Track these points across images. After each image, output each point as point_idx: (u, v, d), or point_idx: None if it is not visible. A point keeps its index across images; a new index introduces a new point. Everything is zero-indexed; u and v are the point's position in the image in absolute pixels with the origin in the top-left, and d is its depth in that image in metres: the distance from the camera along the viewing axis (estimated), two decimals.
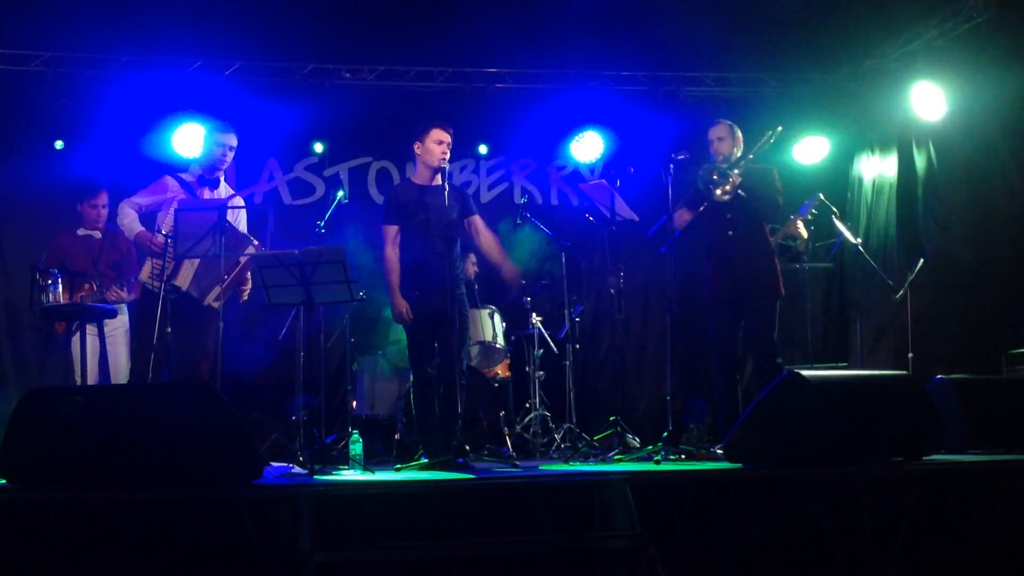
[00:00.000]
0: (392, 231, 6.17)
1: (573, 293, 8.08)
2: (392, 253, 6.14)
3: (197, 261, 6.10)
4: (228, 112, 8.19)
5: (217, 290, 6.13)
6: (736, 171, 6.42)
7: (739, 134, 6.67)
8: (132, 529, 4.37)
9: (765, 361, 6.45)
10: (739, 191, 6.40)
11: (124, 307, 6.95)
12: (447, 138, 6.18)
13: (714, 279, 6.61)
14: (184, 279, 6.07)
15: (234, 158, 8.48)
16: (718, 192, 6.41)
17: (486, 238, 6.33)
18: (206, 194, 6.33)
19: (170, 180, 6.34)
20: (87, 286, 6.94)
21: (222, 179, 6.50)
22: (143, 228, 6.23)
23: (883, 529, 4.90)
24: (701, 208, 6.53)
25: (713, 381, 6.76)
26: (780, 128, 6.59)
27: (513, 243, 8.60)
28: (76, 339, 6.89)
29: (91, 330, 6.84)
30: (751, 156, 6.54)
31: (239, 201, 6.47)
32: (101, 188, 7.03)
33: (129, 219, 6.24)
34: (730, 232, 6.53)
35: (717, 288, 6.59)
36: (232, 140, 6.40)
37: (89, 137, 8.26)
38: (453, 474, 5.37)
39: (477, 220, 6.33)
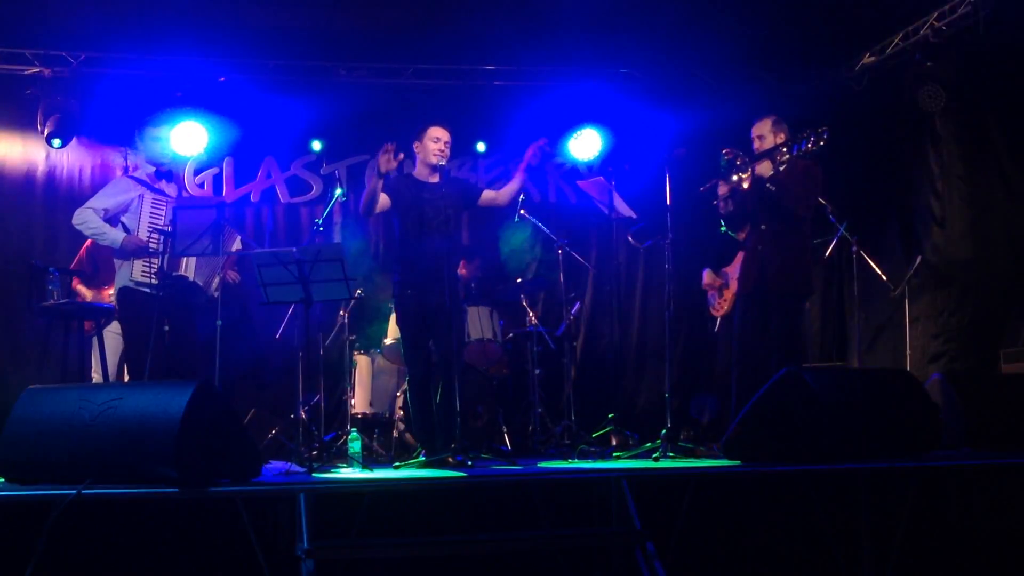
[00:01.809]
0: (378, 182, 6.01)
1: (571, 290, 8.09)
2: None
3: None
4: (226, 110, 8.21)
5: (216, 280, 6.21)
6: (764, 161, 6.27)
7: (783, 129, 6.49)
8: (130, 527, 4.37)
9: (783, 361, 6.31)
10: (768, 185, 6.24)
11: None
12: (444, 135, 6.19)
13: (745, 273, 6.54)
14: (189, 269, 6.10)
15: (232, 156, 8.56)
16: (734, 178, 6.27)
17: (499, 196, 6.37)
18: (166, 187, 6.34)
19: (128, 180, 6.31)
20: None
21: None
22: (124, 234, 6.18)
23: (882, 526, 4.90)
24: (735, 180, 6.38)
25: (730, 376, 6.69)
26: (826, 128, 6.36)
27: (510, 241, 8.63)
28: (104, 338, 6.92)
29: (114, 328, 6.88)
30: (784, 150, 6.28)
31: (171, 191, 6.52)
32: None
33: (105, 227, 6.16)
34: (763, 226, 6.38)
35: (746, 282, 6.49)
36: (159, 132, 6.38)
37: (86, 135, 8.26)
38: (451, 472, 5.36)
39: (487, 193, 6.38)
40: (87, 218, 6.18)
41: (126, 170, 6.46)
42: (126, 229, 6.24)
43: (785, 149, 6.28)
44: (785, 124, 6.54)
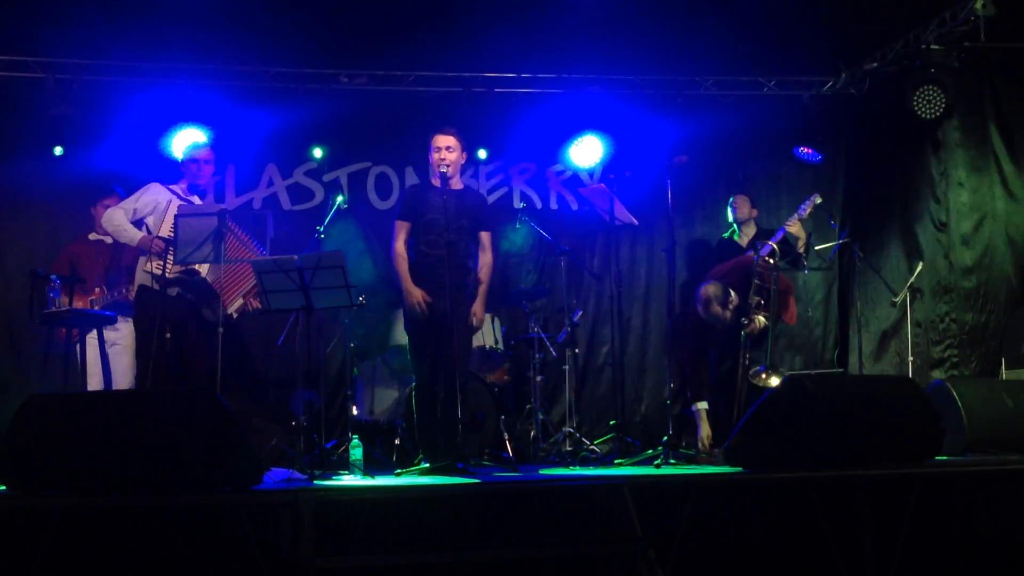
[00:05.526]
0: (402, 227, 6.25)
1: (573, 298, 8.08)
2: (400, 247, 6.23)
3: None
4: (227, 117, 8.20)
5: (239, 303, 6.19)
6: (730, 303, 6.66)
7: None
8: (132, 536, 4.37)
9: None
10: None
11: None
12: (443, 142, 6.24)
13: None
14: (202, 265, 6.14)
15: (234, 163, 8.56)
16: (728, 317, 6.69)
17: (484, 260, 6.35)
18: (196, 201, 6.35)
19: (159, 186, 6.37)
20: (97, 290, 6.96)
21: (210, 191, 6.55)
22: (144, 233, 6.26)
23: (884, 533, 4.90)
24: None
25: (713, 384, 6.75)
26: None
27: (512, 248, 8.62)
28: (86, 344, 6.90)
29: (93, 335, 6.85)
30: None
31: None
32: (113, 190, 7.08)
33: (127, 226, 6.23)
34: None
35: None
36: (200, 153, 6.46)
37: (88, 143, 8.25)
38: (453, 479, 5.37)
39: (484, 237, 6.36)
40: (113, 216, 6.33)
41: (161, 180, 6.50)
42: (148, 230, 6.34)
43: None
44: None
